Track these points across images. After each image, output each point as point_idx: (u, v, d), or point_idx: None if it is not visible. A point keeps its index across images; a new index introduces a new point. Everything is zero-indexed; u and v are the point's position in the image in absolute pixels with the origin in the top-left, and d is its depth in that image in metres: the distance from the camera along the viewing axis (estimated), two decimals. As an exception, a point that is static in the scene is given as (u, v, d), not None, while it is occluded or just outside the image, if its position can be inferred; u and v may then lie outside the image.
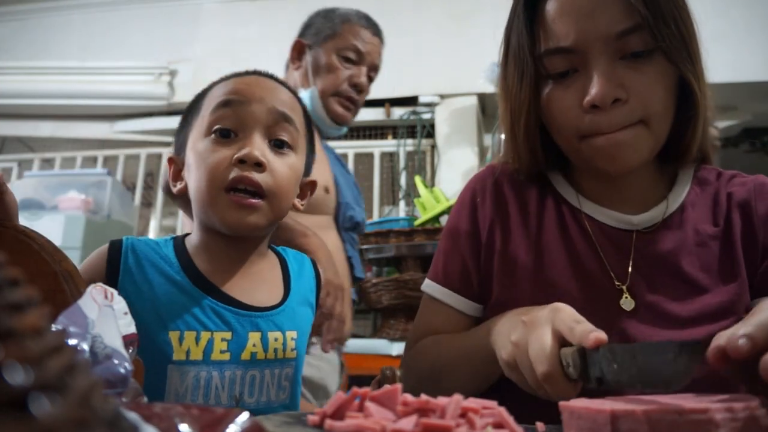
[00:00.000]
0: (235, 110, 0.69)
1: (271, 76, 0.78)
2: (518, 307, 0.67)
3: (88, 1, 3.02)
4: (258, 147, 0.68)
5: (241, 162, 0.67)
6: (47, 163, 2.90)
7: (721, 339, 0.41)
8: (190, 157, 0.72)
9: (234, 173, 0.67)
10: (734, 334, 0.40)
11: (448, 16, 2.70)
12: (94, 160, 2.86)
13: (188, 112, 0.79)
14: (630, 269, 0.67)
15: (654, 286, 0.66)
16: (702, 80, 0.63)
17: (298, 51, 1.43)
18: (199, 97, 0.78)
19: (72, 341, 0.37)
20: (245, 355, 0.68)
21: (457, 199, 0.79)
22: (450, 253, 0.75)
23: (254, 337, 0.69)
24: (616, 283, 0.67)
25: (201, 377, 0.65)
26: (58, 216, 2.18)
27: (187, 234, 0.77)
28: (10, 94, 2.80)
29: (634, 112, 0.61)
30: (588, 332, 0.44)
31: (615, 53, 0.61)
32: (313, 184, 0.81)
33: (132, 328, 0.44)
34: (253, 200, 0.68)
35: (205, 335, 0.66)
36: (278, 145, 0.71)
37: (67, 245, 2.07)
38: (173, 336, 0.65)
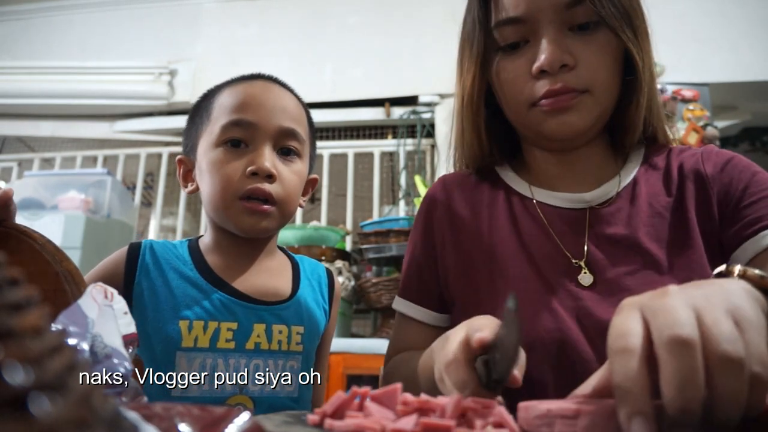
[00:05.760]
0: (245, 128, 0.74)
1: (277, 81, 0.81)
2: (479, 309, 0.67)
3: (88, 1, 3.02)
4: (268, 159, 0.73)
5: (254, 174, 0.72)
6: (47, 163, 2.90)
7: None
8: (203, 164, 0.76)
9: (247, 185, 0.72)
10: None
11: (448, 16, 2.70)
12: (94, 159, 2.85)
13: (196, 115, 0.81)
14: (586, 247, 0.67)
15: (611, 261, 0.65)
16: (647, 55, 0.65)
17: None
18: (207, 100, 0.80)
19: (72, 341, 0.37)
20: (249, 345, 0.72)
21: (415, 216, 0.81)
22: (408, 268, 0.77)
23: (258, 329, 0.74)
24: (573, 260, 0.66)
25: (207, 363, 0.70)
26: (58, 216, 2.18)
27: (201, 236, 0.83)
28: (10, 94, 2.79)
29: (580, 78, 0.62)
30: (474, 335, 0.43)
31: (563, 24, 0.63)
32: (314, 181, 0.86)
33: (132, 328, 0.44)
34: (266, 206, 0.73)
35: (212, 324, 0.71)
36: (285, 153, 0.77)
37: (67, 245, 2.07)
38: (183, 325, 0.70)
